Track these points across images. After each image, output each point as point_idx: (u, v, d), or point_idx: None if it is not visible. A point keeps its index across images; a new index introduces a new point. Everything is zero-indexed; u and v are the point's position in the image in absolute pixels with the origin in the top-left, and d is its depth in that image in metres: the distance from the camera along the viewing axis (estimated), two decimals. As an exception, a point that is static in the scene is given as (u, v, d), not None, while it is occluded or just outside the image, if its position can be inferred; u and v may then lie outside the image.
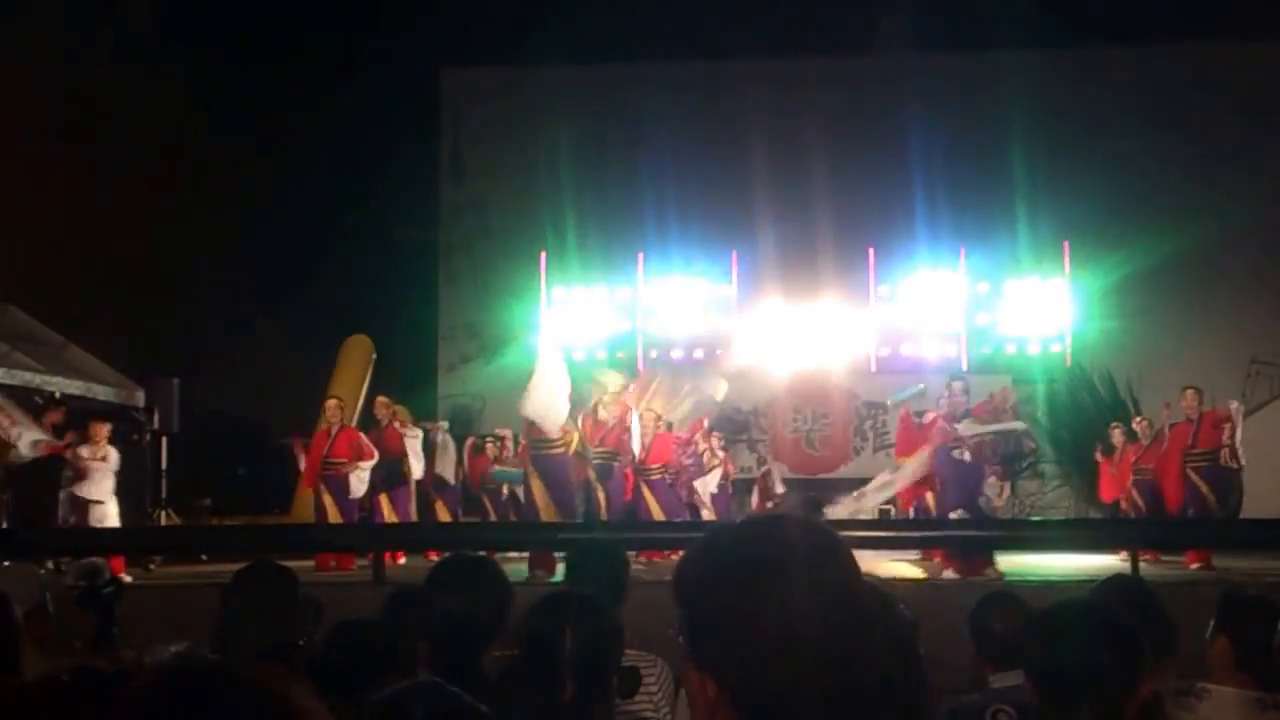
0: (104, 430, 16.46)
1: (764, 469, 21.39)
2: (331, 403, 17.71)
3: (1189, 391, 16.52)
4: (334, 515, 16.52)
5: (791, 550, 1.96)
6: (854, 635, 1.90)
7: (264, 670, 1.03)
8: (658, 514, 16.52)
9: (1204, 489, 16.01)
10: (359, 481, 16.72)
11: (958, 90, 23.93)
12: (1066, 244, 22.47)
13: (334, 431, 17.03)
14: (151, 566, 16.11)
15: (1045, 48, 24.02)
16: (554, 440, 15.77)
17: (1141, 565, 12.82)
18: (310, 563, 15.12)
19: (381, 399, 18.08)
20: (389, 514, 17.26)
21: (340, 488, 16.70)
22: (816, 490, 22.22)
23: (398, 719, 3.29)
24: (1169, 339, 22.51)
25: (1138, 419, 18.42)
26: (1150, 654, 3.39)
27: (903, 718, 2.11)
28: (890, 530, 16.24)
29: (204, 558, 16.17)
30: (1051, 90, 23.77)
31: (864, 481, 21.18)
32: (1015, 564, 14.12)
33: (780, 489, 20.89)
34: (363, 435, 17.30)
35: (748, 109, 24.41)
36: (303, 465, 17.24)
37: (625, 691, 3.98)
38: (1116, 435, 17.99)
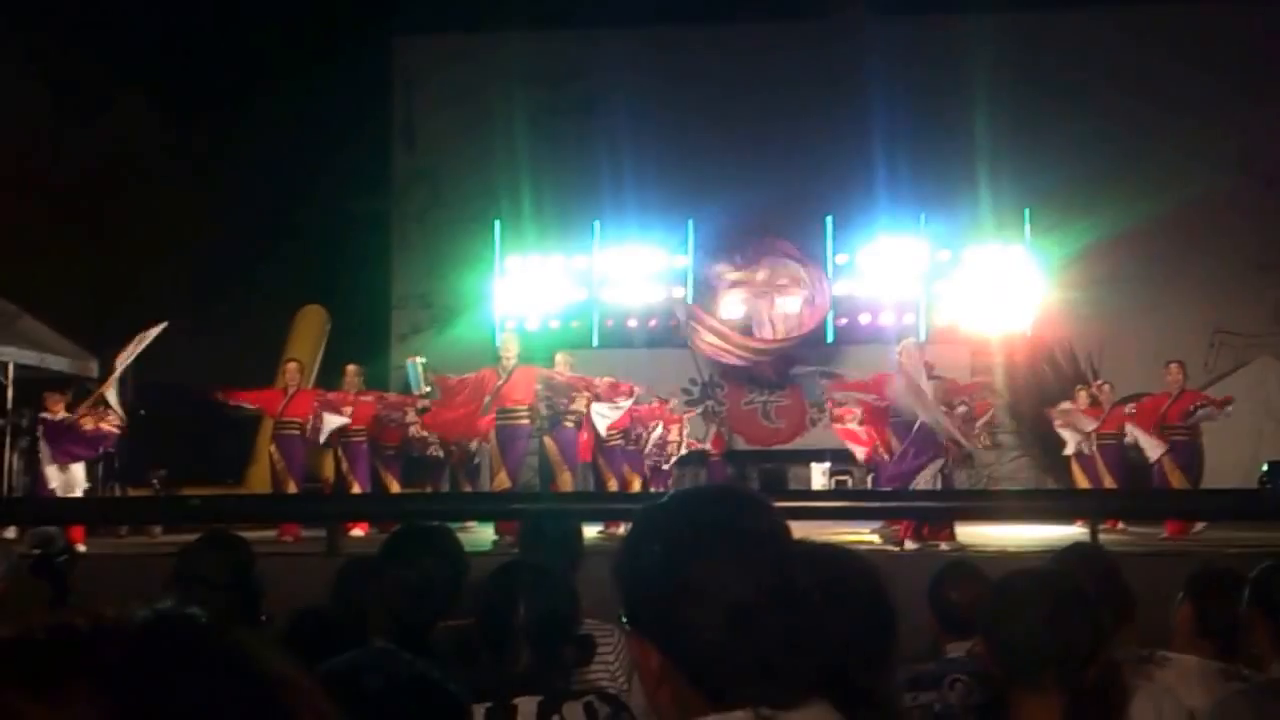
0: (60, 401, 16.49)
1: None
2: (291, 365, 17.68)
3: (1174, 365, 16.70)
4: (286, 478, 16.54)
5: (723, 515, 2.00)
6: (789, 595, 1.91)
7: (248, 632, 0.99)
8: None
9: (1168, 461, 16.22)
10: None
11: (918, 53, 23.64)
12: (1028, 211, 22.46)
13: (290, 392, 16.99)
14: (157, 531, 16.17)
15: (1009, 11, 23.74)
16: (519, 410, 15.95)
17: (1104, 536, 12.89)
18: (267, 533, 15.01)
19: (352, 367, 18.00)
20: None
21: (292, 449, 16.74)
22: (773, 462, 22.32)
23: (349, 686, 3.25)
24: (1132, 309, 22.38)
25: (1097, 383, 18.51)
26: (1109, 622, 3.37)
27: (856, 672, 2.10)
28: (846, 500, 16.33)
29: (158, 530, 16.21)
30: (1015, 54, 23.43)
31: (820, 453, 21.25)
32: (973, 535, 14.15)
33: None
34: (325, 394, 17.31)
35: (704, 74, 24.26)
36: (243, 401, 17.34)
37: (579, 660, 3.97)
38: (1082, 399, 17.96)
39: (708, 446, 21.31)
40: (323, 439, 16.92)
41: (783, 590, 1.90)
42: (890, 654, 2.39)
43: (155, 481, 18.94)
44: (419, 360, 18.06)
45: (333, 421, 16.79)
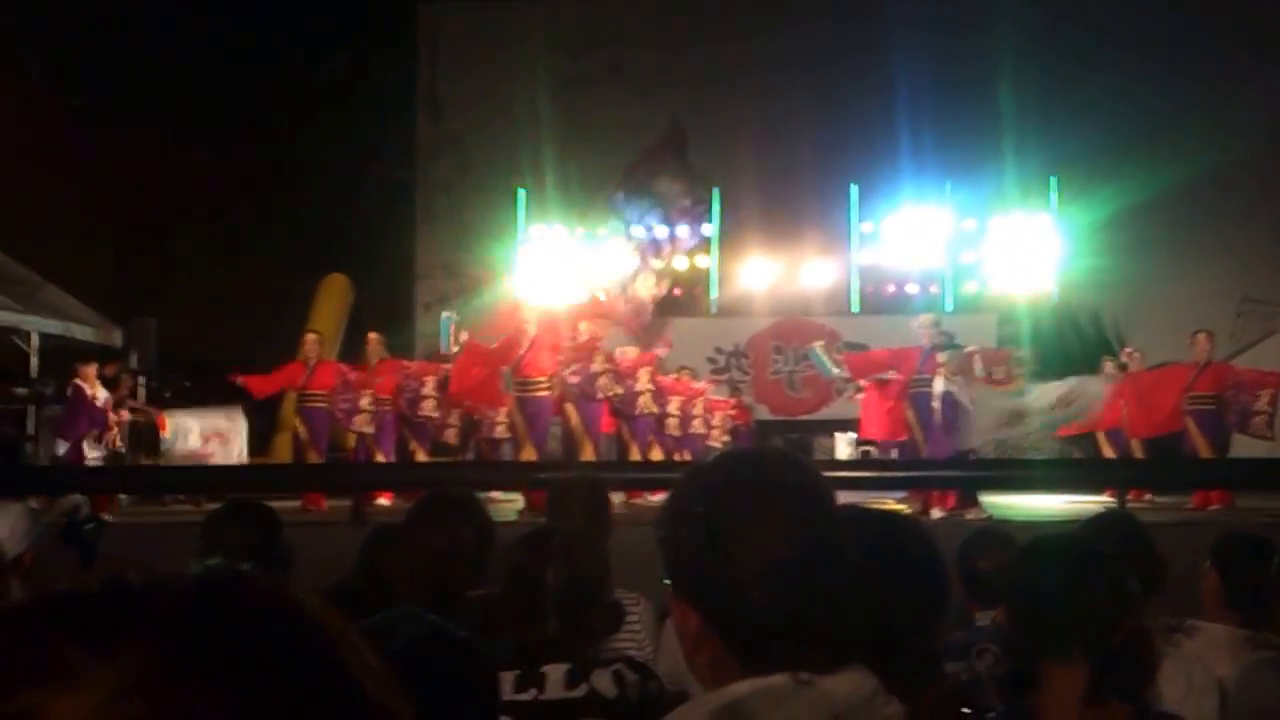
0: (92, 371, 16.60)
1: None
2: (310, 336, 17.69)
3: (1201, 335, 16.51)
4: (309, 449, 16.63)
5: (767, 477, 1.99)
6: (828, 556, 1.90)
7: (297, 589, 0.99)
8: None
9: (1195, 431, 16.10)
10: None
11: (943, 21, 23.61)
12: (1054, 179, 22.32)
13: (311, 364, 17.03)
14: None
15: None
16: (540, 381, 15.94)
17: (1131, 506, 12.84)
18: (291, 503, 15.03)
19: (374, 336, 18.04)
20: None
21: (316, 420, 16.79)
22: (798, 432, 22.24)
23: (376, 643, 3.26)
24: (1158, 276, 22.29)
25: (1126, 350, 18.37)
26: (1138, 589, 3.35)
27: (906, 634, 2.10)
28: (872, 470, 16.29)
29: (181, 498, 16.29)
30: (1040, 20, 23.31)
31: (846, 424, 21.17)
32: (1000, 505, 14.11)
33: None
34: (346, 371, 17.33)
35: (729, 42, 24.22)
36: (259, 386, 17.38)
37: (608, 627, 3.96)
38: (1108, 369, 17.88)
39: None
40: (355, 425, 16.90)
41: (822, 551, 1.90)
42: (942, 615, 2.38)
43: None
44: (451, 315, 18.12)
45: (362, 421, 16.82)
